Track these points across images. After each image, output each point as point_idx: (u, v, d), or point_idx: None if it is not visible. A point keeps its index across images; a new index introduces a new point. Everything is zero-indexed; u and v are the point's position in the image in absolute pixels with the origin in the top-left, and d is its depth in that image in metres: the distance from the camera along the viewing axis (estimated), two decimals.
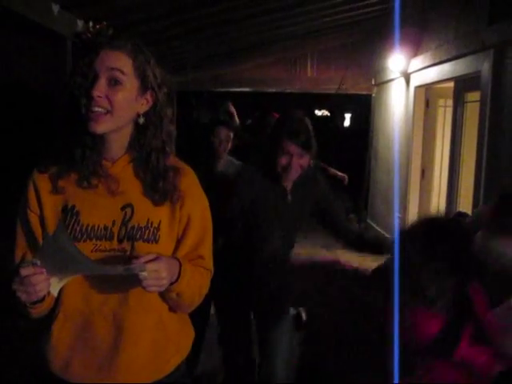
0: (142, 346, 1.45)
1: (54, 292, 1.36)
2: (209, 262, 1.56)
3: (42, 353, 1.46)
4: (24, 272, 1.23)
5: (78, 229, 1.38)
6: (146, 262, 1.27)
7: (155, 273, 1.29)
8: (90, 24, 1.35)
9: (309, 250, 7.08)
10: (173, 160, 1.51)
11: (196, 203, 1.52)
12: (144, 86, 1.41)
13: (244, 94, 9.15)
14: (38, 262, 1.26)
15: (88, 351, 1.42)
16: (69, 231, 1.37)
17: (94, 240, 1.39)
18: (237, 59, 7.69)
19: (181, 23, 5.01)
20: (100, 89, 1.32)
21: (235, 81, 8.38)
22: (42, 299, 1.33)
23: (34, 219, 1.42)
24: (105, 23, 1.38)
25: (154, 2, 4.16)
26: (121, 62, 1.35)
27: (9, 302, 1.33)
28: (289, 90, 8.69)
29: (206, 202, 1.56)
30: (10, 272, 1.33)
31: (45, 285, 1.27)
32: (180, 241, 1.49)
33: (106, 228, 1.40)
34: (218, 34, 5.95)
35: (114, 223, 1.40)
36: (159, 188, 1.43)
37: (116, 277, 1.32)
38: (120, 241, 1.40)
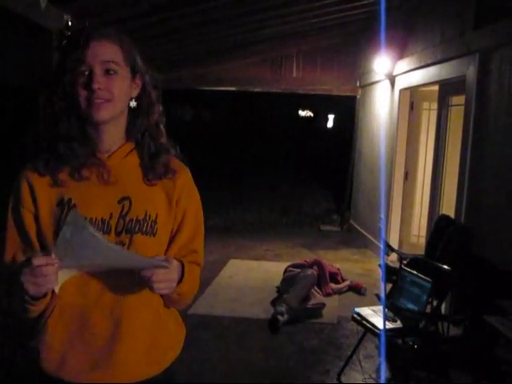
0: (140, 340, 1.44)
1: (57, 287, 1.32)
2: (200, 256, 1.58)
3: (35, 350, 1.43)
4: (36, 262, 1.21)
5: None
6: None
7: (168, 274, 1.31)
8: (69, 21, 1.37)
9: (290, 249, 7.11)
10: (172, 159, 1.53)
11: (191, 200, 1.55)
12: (133, 71, 1.45)
13: (228, 93, 9.14)
14: (52, 253, 1.23)
15: (84, 346, 1.40)
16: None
17: None
18: (222, 58, 7.68)
19: (166, 21, 4.98)
20: (99, 81, 1.35)
21: (220, 80, 8.37)
22: (45, 294, 1.31)
23: (28, 217, 1.40)
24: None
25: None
26: (112, 53, 1.39)
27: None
28: (274, 90, 8.71)
29: (199, 199, 1.60)
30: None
31: (55, 277, 1.25)
32: (175, 235, 1.51)
33: (103, 221, 1.39)
34: (203, 33, 5.93)
35: (111, 216, 1.40)
36: (155, 166, 1.47)
37: (114, 270, 1.32)
38: (118, 234, 1.40)
